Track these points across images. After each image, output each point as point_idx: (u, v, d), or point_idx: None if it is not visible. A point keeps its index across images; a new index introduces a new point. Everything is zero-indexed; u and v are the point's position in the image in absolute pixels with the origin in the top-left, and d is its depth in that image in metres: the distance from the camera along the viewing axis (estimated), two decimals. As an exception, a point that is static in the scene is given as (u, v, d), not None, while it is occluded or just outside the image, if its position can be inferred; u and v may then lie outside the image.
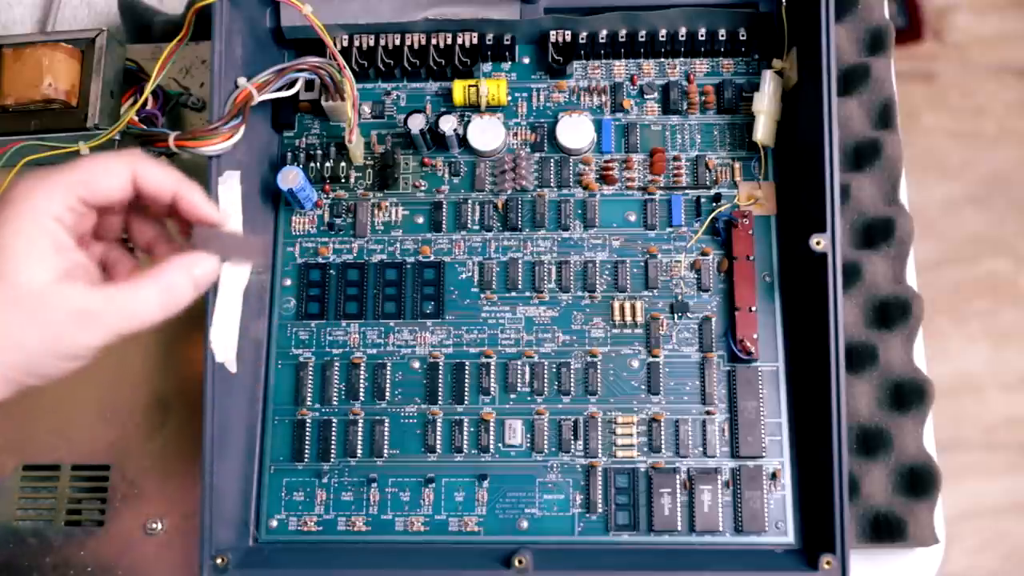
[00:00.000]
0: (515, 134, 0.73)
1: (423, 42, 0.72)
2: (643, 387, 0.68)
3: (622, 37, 0.72)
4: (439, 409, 0.68)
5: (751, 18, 0.71)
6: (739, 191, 0.71)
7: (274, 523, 0.68)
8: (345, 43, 0.72)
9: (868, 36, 0.77)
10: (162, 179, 0.53)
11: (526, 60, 0.74)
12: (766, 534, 0.65)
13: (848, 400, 0.66)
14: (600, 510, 0.66)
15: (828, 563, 0.60)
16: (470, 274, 0.71)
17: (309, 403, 0.69)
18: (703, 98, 0.72)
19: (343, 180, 0.73)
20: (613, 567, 0.64)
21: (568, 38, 0.72)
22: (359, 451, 0.68)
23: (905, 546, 0.68)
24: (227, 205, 0.65)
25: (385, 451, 0.68)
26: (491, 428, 0.68)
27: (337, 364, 0.70)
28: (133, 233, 0.57)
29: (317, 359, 0.70)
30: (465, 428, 0.68)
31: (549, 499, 0.67)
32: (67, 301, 0.48)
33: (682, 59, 0.73)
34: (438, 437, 0.68)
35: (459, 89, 0.72)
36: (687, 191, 0.71)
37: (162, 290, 0.52)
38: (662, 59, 0.73)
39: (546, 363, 0.69)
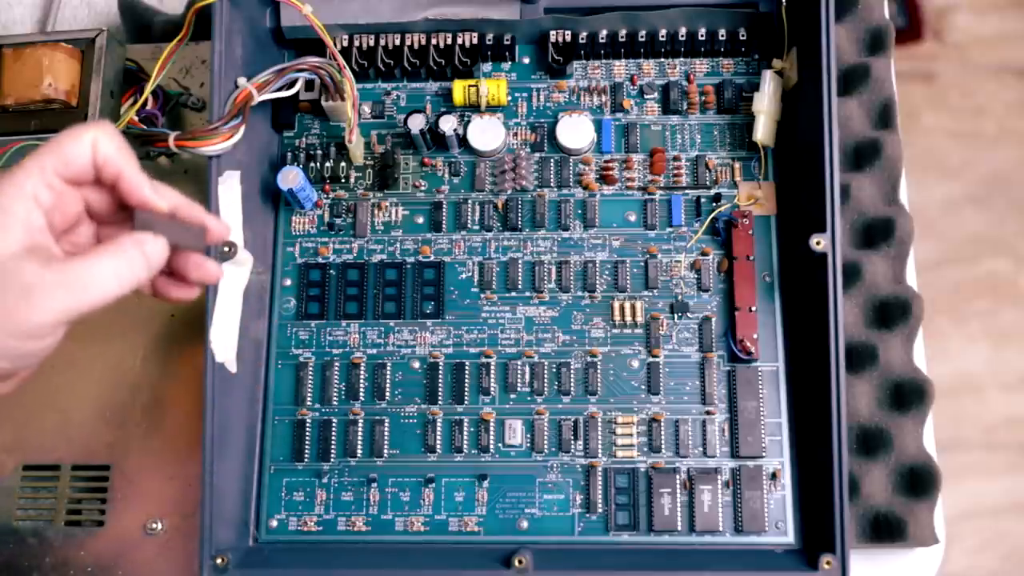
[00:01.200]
0: (515, 134, 0.73)
1: (423, 42, 0.72)
2: (643, 387, 0.68)
3: (622, 37, 0.72)
4: (439, 409, 0.68)
5: (751, 18, 0.71)
6: (739, 191, 0.71)
7: (274, 523, 0.68)
8: (345, 43, 0.72)
9: (868, 36, 0.77)
10: (111, 152, 0.51)
11: (526, 60, 0.74)
12: (766, 534, 0.65)
13: (848, 400, 0.66)
14: (600, 510, 0.66)
15: (828, 563, 0.60)
16: (470, 274, 0.71)
17: (309, 403, 0.69)
18: (703, 98, 0.72)
19: (343, 180, 0.73)
20: (613, 567, 0.64)
21: (568, 38, 0.72)
22: (359, 451, 0.68)
23: (905, 546, 0.68)
24: (227, 205, 0.65)
25: (385, 451, 0.68)
26: (491, 428, 0.68)
27: (337, 364, 0.70)
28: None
29: (317, 359, 0.70)
30: (465, 428, 0.68)
31: (549, 499, 0.67)
32: (17, 276, 0.47)
33: (682, 59, 0.73)
34: (438, 437, 0.68)
35: (459, 89, 0.72)
36: (687, 191, 0.71)
37: (116, 265, 0.50)
38: (662, 59, 0.73)
39: (546, 363, 0.69)
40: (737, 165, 0.71)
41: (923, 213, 1.49)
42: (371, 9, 0.71)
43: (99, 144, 0.51)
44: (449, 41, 0.72)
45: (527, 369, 0.69)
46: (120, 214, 0.54)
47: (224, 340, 0.64)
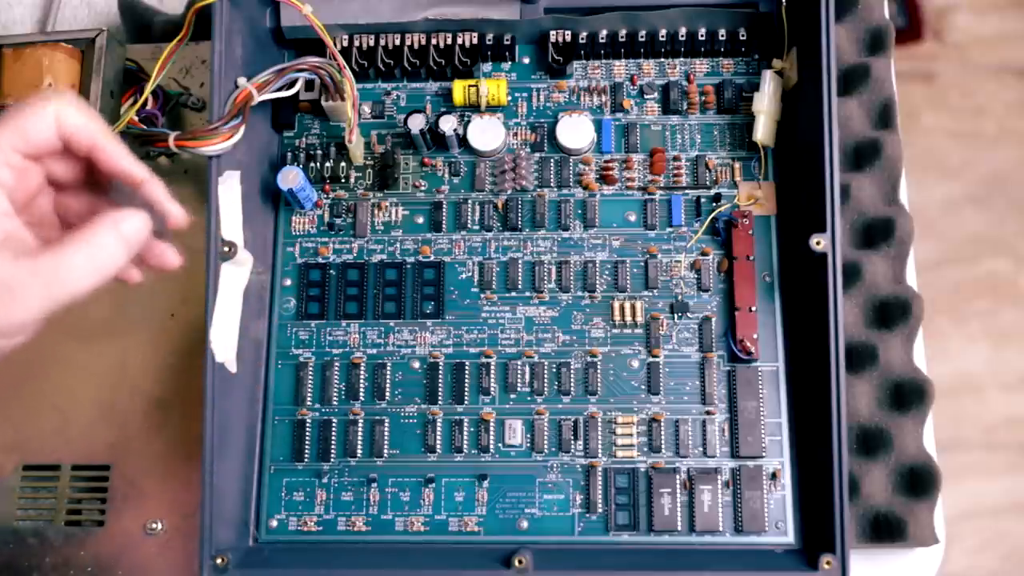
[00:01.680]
0: (515, 134, 0.73)
1: (423, 42, 0.72)
2: (643, 387, 0.68)
3: (622, 37, 0.72)
4: (439, 409, 0.68)
5: (751, 18, 0.71)
6: (739, 191, 0.71)
7: (274, 523, 0.68)
8: (345, 43, 0.72)
9: (868, 36, 0.77)
10: (79, 124, 0.49)
11: (526, 60, 0.74)
12: (766, 534, 0.65)
13: (848, 400, 0.66)
14: (600, 510, 0.66)
15: (828, 563, 0.60)
16: (470, 274, 0.71)
17: (309, 403, 0.69)
18: (703, 98, 0.72)
19: (343, 180, 0.73)
20: (613, 567, 0.64)
21: (568, 38, 0.72)
22: (359, 451, 0.68)
23: (905, 546, 0.68)
24: (227, 205, 0.65)
25: (385, 451, 0.68)
26: (491, 428, 0.68)
27: (337, 364, 0.70)
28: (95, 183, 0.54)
29: (317, 359, 0.70)
30: (465, 428, 0.68)
31: (549, 499, 0.67)
32: None
33: (682, 59, 0.73)
34: (438, 437, 0.68)
35: (459, 89, 0.72)
36: (687, 191, 0.71)
37: (91, 254, 0.48)
38: (662, 59, 0.73)
39: (546, 363, 0.69)
40: (737, 165, 0.71)
41: (923, 213, 1.49)
42: (371, 9, 0.71)
43: (65, 116, 0.49)
44: (449, 41, 0.72)
45: (527, 369, 0.69)
46: (83, 181, 0.52)
47: (224, 340, 0.64)
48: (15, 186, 0.49)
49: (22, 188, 0.50)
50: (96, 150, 0.50)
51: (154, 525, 0.69)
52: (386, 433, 0.68)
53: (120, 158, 0.51)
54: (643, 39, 0.72)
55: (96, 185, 0.54)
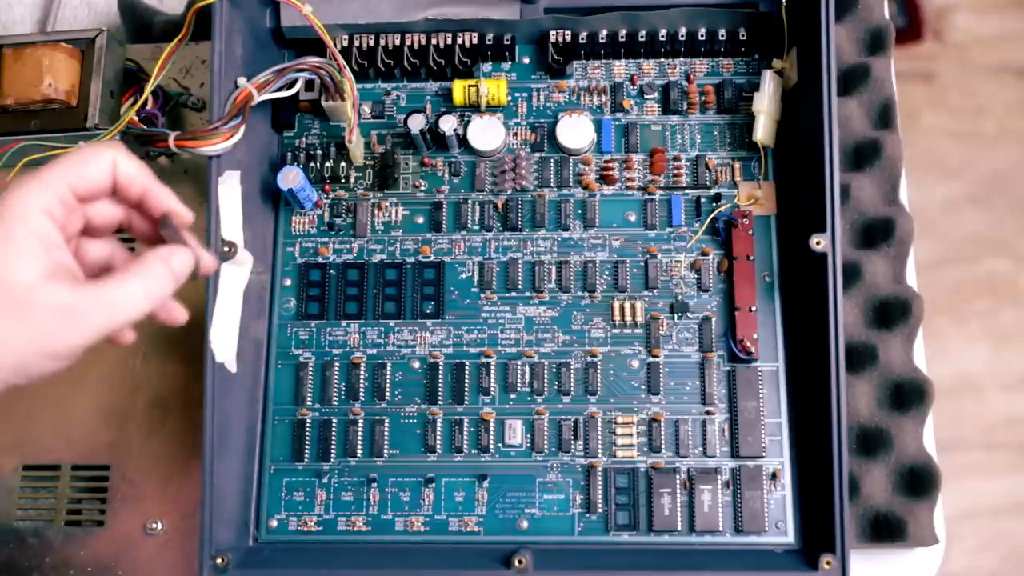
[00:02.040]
0: (515, 134, 0.73)
1: (423, 42, 0.72)
2: (643, 387, 0.68)
3: (622, 37, 0.72)
4: (439, 409, 0.68)
5: (751, 18, 0.71)
6: (739, 191, 0.71)
7: (274, 523, 0.68)
8: (345, 43, 0.72)
9: (868, 36, 0.78)
10: (135, 172, 0.53)
11: (526, 60, 0.74)
12: (766, 534, 0.65)
13: (848, 400, 0.66)
14: (600, 510, 0.66)
15: (828, 563, 0.60)
16: (470, 274, 0.71)
17: (309, 403, 0.69)
18: (703, 98, 0.72)
19: (343, 180, 0.73)
20: (613, 567, 0.64)
21: (568, 38, 0.72)
22: (359, 451, 0.68)
23: (905, 546, 0.68)
24: (227, 205, 0.65)
25: (385, 451, 0.68)
26: (491, 428, 0.68)
27: (337, 364, 0.70)
28: (134, 227, 0.57)
29: (317, 359, 0.70)
30: (465, 428, 0.68)
31: (549, 499, 0.67)
32: (54, 299, 0.48)
33: (682, 59, 0.73)
34: (438, 437, 0.68)
35: (459, 89, 0.72)
36: (687, 191, 0.71)
37: (145, 284, 0.51)
38: (662, 59, 0.73)
39: (546, 363, 0.69)
40: (737, 165, 0.71)
41: (923, 213, 1.49)
42: (371, 9, 0.71)
43: (120, 163, 0.52)
44: (449, 41, 0.72)
45: (527, 369, 0.69)
46: (109, 229, 0.55)
47: (224, 340, 0.64)
48: (63, 223, 0.51)
49: (67, 228, 0.52)
50: (148, 195, 0.54)
51: (154, 525, 0.69)
52: (386, 433, 0.68)
53: (169, 199, 0.54)
54: (643, 39, 0.72)
55: (118, 233, 0.57)
